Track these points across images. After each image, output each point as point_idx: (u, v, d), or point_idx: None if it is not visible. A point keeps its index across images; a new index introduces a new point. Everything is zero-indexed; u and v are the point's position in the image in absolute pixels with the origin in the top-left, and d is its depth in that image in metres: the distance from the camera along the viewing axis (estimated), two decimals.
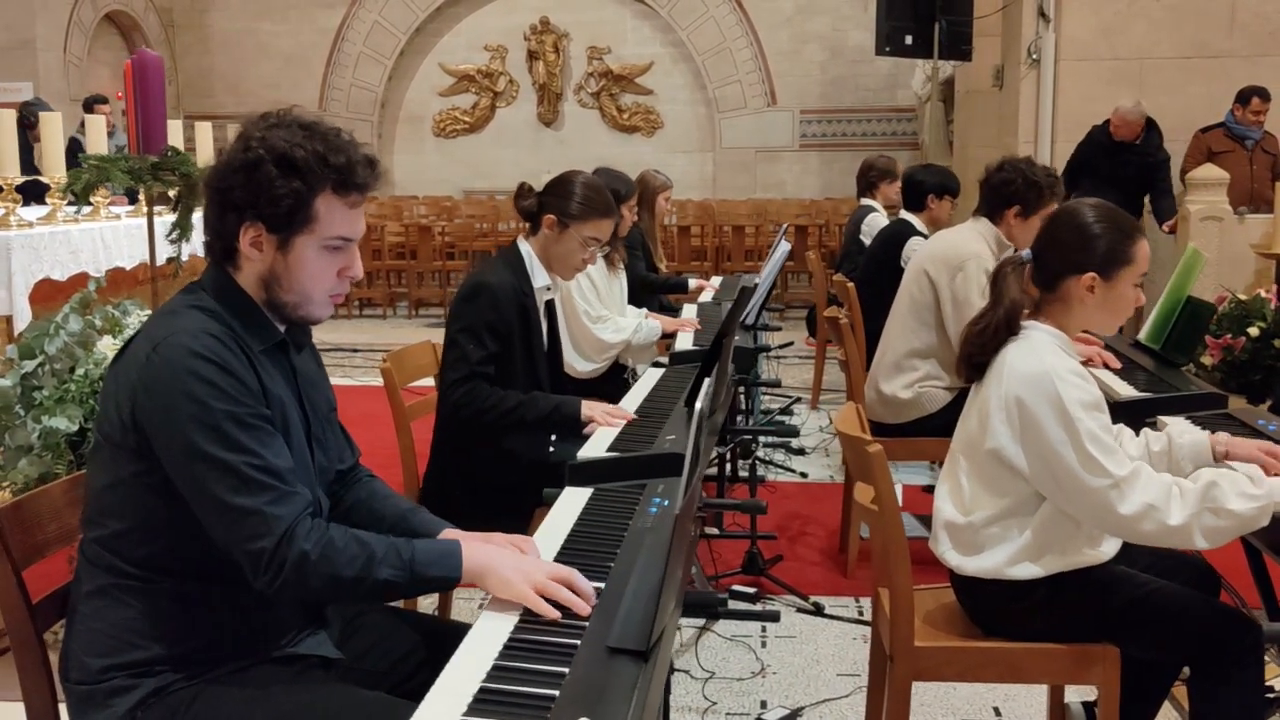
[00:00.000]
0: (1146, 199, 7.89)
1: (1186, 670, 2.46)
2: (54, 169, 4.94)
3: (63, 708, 1.90)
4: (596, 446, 2.81)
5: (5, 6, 11.77)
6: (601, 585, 1.88)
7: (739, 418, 5.16)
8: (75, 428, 3.09)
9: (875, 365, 4.35)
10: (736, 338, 3.37)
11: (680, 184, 7.64)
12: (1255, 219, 7.34)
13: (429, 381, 3.61)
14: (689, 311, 5.41)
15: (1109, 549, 2.42)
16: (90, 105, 8.89)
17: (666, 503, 2.30)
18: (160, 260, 4.47)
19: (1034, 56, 8.64)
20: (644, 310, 4.95)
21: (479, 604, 3.78)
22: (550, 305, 3.41)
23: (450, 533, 2.07)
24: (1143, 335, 3.97)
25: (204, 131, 5.94)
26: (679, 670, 3.44)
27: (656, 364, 4.22)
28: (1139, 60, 8.49)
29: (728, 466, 4.89)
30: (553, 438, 3.36)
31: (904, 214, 5.39)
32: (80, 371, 3.15)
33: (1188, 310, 3.80)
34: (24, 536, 1.92)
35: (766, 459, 5.70)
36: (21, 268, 4.42)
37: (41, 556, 1.98)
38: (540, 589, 1.79)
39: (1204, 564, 2.62)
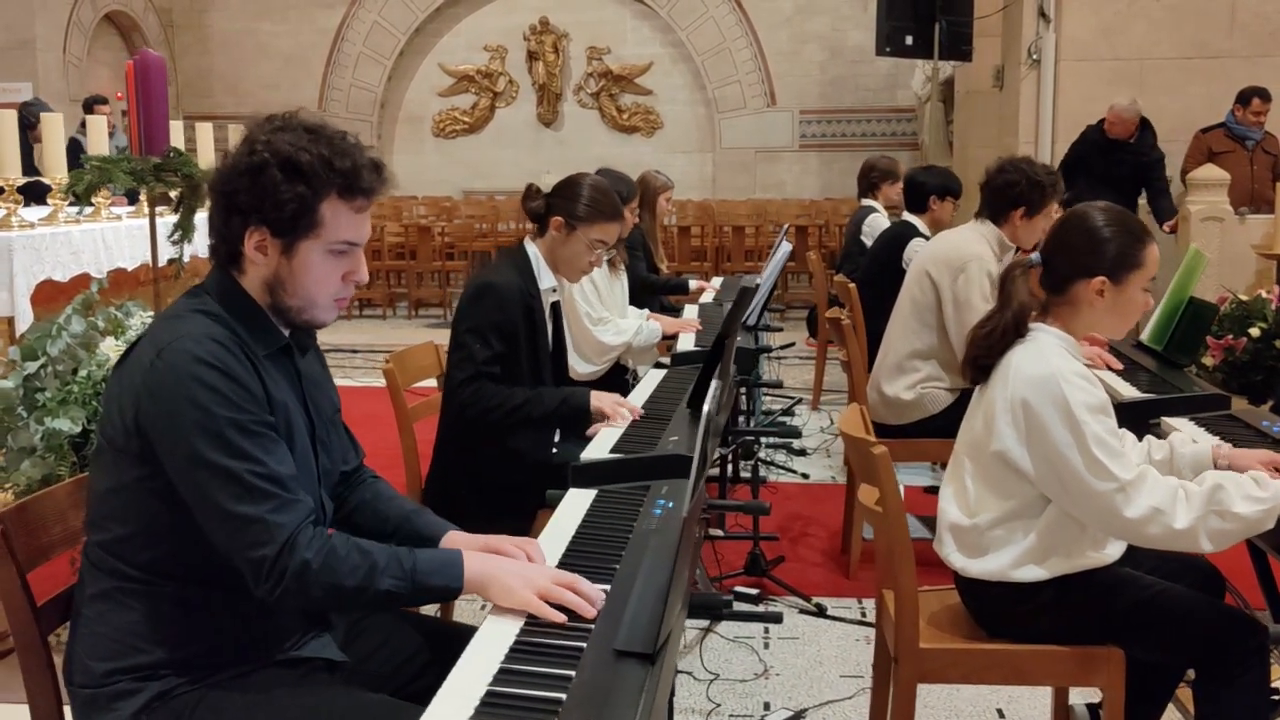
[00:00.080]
0: (1141, 199, 7.88)
1: (1191, 672, 2.45)
2: (55, 170, 4.94)
3: (67, 710, 1.90)
4: (600, 448, 2.81)
5: (5, 6, 11.76)
6: (606, 588, 1.88)
7: (740, 418, 5.16)
8: (78, 429, 3.09)
9: (877, 366, 4.34)
10: (738, 338, 3.37)
11: (680, 184, 7.64)
12: (1256, 219, 7.33)
13: (432, 382, 3.61)
14: (690, 312, 5.41)
15: (1114, 551, 2.42)
16: (90, 106, 8.88)
17: (671, 504, 2.29)
18: (162, 261, 4.47)
19: (1034, 57, 8.64)
20: (645, 311, 4.95)
21: (481, 605, 3.78)
22: (556, 307, 3.41)
23: (455, 535, 2.07)
24: (1145, 336, 3.97)
25: (204, 132, 5.94)
26: (682, 672, 3.44)
27: (658, 365, 4.22)
28: (1139, 60, 8.49)
29: (729, 467, 4.89)
30: (556, 438, 3.36)
31: (906, 215, 5.38)
32: (83, 373, 3.14)
33: (1190, 311, 3.80)
34: (28, 539, 1.92)
35: (768, 460, 5.69)
36: (23, 269, 4.42)
37: (46, 559, 1.98)
38: (544, 593, 1.78)
39: (1209, 566, 2.62)
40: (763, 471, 5.24)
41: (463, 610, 3.63)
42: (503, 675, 1.60)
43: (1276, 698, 2.51)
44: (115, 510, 1.82)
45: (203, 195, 4.17)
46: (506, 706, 1.52)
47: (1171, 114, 8.20)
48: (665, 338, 4.72)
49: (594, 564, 2.00)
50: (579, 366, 4.26)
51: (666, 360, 4.33)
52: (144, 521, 1.80)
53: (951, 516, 2.47)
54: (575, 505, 2.36)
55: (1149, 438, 2.66)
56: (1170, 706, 2.69)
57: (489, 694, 1.55)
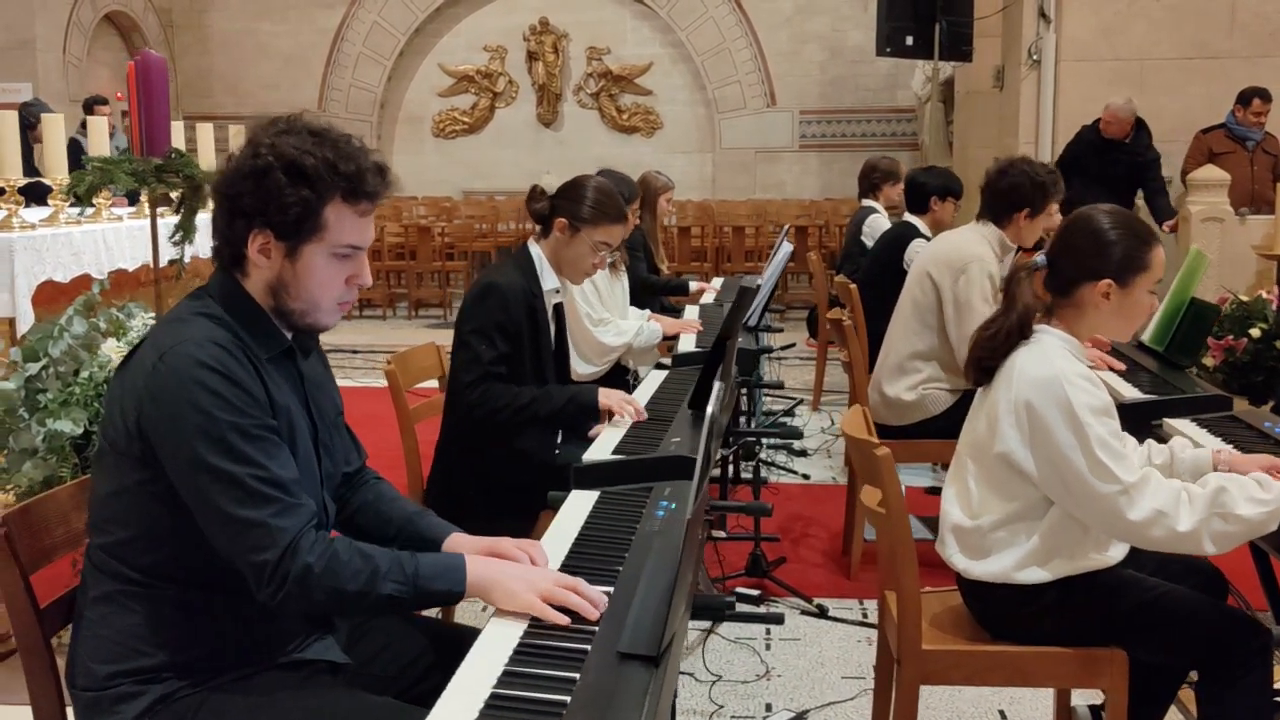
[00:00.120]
0: (1138, 199, 7.88)
1: (1193, 674, 2.45)
2: (56, 170, 4.93)
3: (69, 712, 1.89)
4: (602, 449, 2.81)
5: (4, 7, 11.76)
6: (610, 589, 1.88)
7: (741, 419, 5.15)
8: (80, 430, 3.08)
9: (878, 367, 4.34)
10: (739, 339, 3.37)
11: (680, 185, 7.64)
12: (1256, 220, 7.33)
13: (433, 383, 3.61)
14: (691, 313, 5.41)
15: (1116, 553, 2.42)
16: (90, 106, 8.89)
17: (674, 506, 2.29)
18: (163, 262, 4.46)
19: (1034, 57, 8.64)
20: (646, 312, 4.95)
21: (483, 607, 3.78)
22: (559, 308, 3.41)
23: (458, 537, 2.07)
24: (1146, 337, 3.97)
25: (205, 133, 5.93)
26: (684, 673, 3.44)
27: (659, 366, 4.22)
28: (1139, 61, 8.49)
29: (730, 468, 4.89)
30: (558, 439, 3.36)
31: (907, 216, 5.39)
32: (85, 374, 3.14)
33: (1191, 312, 3.79)
34: (32, 541, 1.92)
35: (768, 460, 5.69)
36: (24, 270, 4.41)
37: (49, 561, 1.98)
38: (547, 596, 1.78)
39: (1211, 568, 2.62)
40: (763, 472, 5.24)
41: (464, 612, 3.63)
42: (507, 678, 1.60)
43: (1279, 699, 2.51)
44: (117, 513, 1.82)
45: (204, 196, 4.17)
46: (511, 709, 1.52)
47: (1171, 114, 8.20)
48: (666, 338, 4.72)
49: (597, 566, 2.00)
50: (579, 367, 4.26)
51: (667, 361, 4.33)
52: (146, 525, 1.80)
53: (954, 518, 2.47)
54: (578, 507, 2.36)
55: (1149, 441, 2.66)
56: (1172, 708, 2.69)
57: (493, 696, 1.55)
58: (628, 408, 3.08)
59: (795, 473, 5.66)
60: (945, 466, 5.29)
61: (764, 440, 5.61)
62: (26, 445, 3.11)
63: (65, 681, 1.88)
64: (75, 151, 6.46)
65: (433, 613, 3.46)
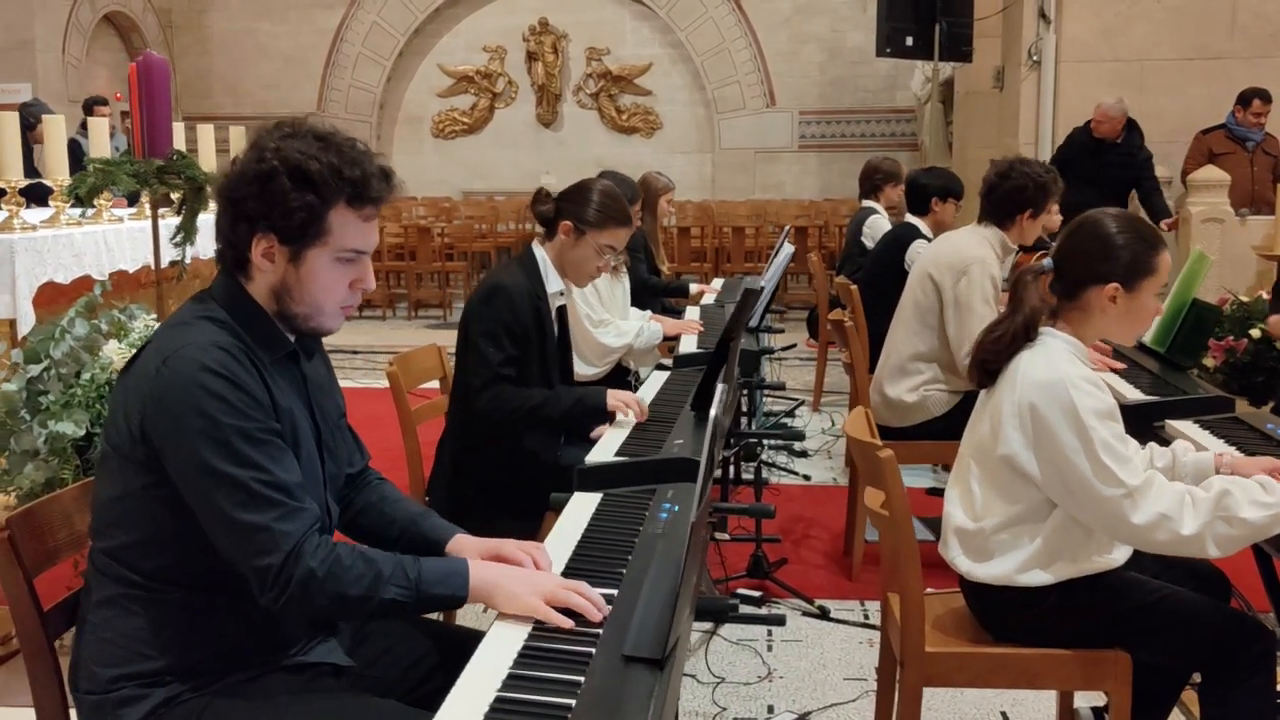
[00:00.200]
0: (1132, 199, 7.87)
1: (1196, 676, 2.45)
2: (57, 171, 4.93)
3: (73, 715, 1.89)
4: (605, 451, 2.81)
5: (4, 7, 11.75)
6: (614, 592, 1.88)
7: (742, 420, 5.15)
8: (82, 433, 3.08)
9: (880, 368, 4.34)
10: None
11: (679, 185, 7.63)
12: (1256, 220, 7.34)
13: (434, 384, 3.61)
14: (691, 313, 5.40)
15: (1120, 556, 2.41)
16: (90, 107, 8.88)
17: (677, 508, 2.29)
18: (164, 263, 4.46)
19: (1034, 58, 8.64)
20: (647, 312, 4.95)
21: (484, 608, 3.77)
22: (562, 311, 3.41)
23: (461, 538, 2.07)
24: (1148, 338, 3.97)
25: (206, 134, 5.93)
26: (687, 675, 3.44)
27: (660, 367, 4.22)
28: (1139, 62, 8.49)
29: (732, 469, 4.89)
30: (561, 440, 3.36)
31: (908, 217, 5.38)
32: (86, 376, 3.14)
33: (1193, 313, 3.79)
34: (35, 543, 1.92)
35: (769, 461, 5.69)
36: (25, 271, 4.41)
37: (52, 563, 1.98)
38: (550, 598, 1.78)
39: (1214, 570, 2.62)
40: (764, 473, 5.24)
41: (464, 613, 3.62)
42: (511, 681, 1.60)
43: None
44: (121, 517, 1.82)
45: (205, 198, 4.18)
46: (516, 712, 1.52)
47: (1172, 115, 8.21)
48: (667, 339, 4.72)
49: (601, 568, 2.00)
50: (580, 369, 4.26)
51: (668, 362, 4.33)
52: (150, 529, 1.80)
53: (957, 520, 2.47)
54: (580, 509, 2.36)
55: (1152, 445, 2.65)
56: (1175, 710, 2.69)
57: (498, 699, 1.55)
58: (635, 408, 3.09)
59: (796, 474, 5.66)
60: (946, 468, 5.30)
61: (765, 441, 5.61)
62: (28, 447, 3.11)
63: (68, 684, 1.88)
64: (75, 152, 6.47)
65: (434, 615, 3.47)
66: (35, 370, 3.15)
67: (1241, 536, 2.22)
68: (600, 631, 1.74)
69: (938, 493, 5.11)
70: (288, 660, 1.90)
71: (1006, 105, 9.24)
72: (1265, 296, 4.73)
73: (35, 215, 5.06)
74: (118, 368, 3.15)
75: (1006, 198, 4.00)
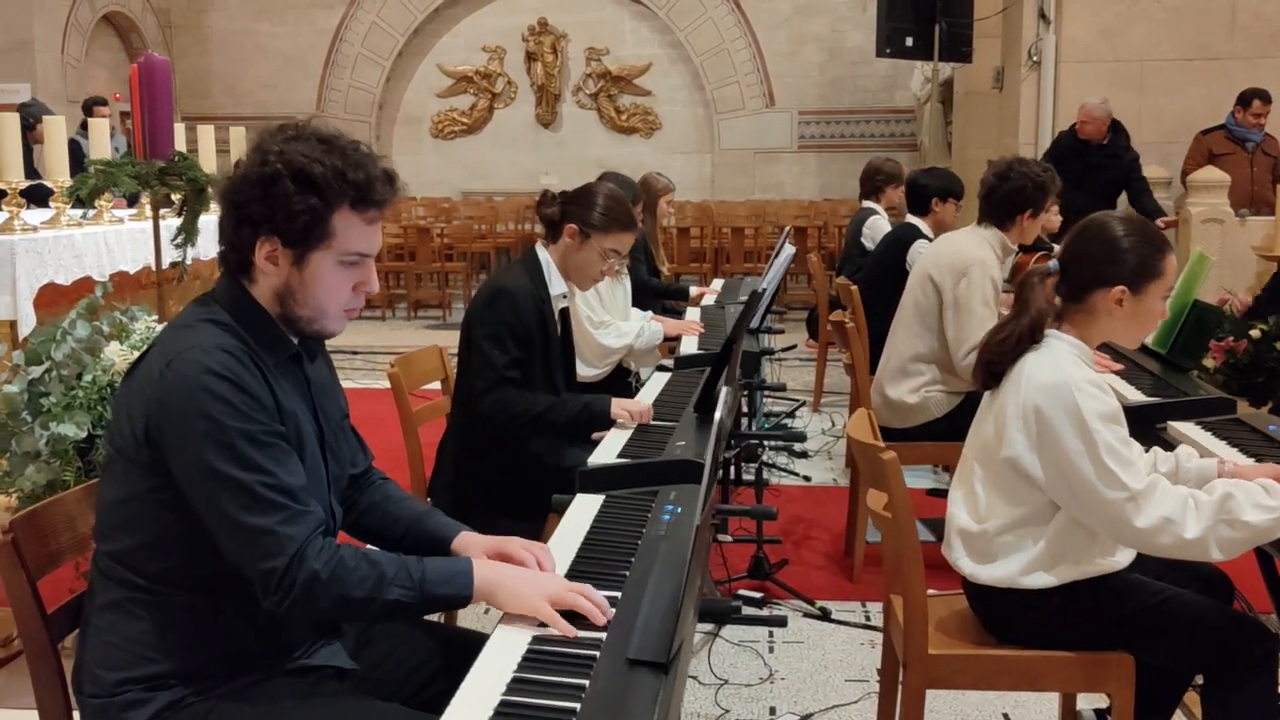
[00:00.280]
0: (1121, 201, 7.87)
1: (1199, 677, 2.45)
2: (57, 172, 4.92)
3: (76, 717, 1.89)
4: (607, 453, 2.81)
5: (3, 7, 11.75)
6: (617, 594, 1.87)
7: (743, 421, 5.15)
8: (83, 434, 3.08)
9: (880, 370, 4.34)
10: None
11: (679, 185, 7.63)
12: (1256, 221, 7.34)
13: (435, 385, 3.60)
14: (692, 314, 5.40)
15: (1123, 558, 2.41)
16: (90, 107, 8.88)
17: (680, 510, 2.29)
18: (164, 264, 4.46)
19: (1034, 58, 8.64)
20: (649, 313, 4.95)
21: (485, 610, 3.78)
22: (565, 313, 3.41)
23: (466, 536, 2.06)
24: (1149, 339, 3.97)
25: (206, 134, 5.92)
26: (689, 676, 3.43)
27: (661, 368, 4.21)
28: (1139, 62, 8.49)
29: (732, 470, 4.88)
30: (565, 444, 3.36)
31: (909, 218, 5.38)
32: (88, 378, 3.13)
33: (1194, 315, 3.79)
34: (39, 546, 1.92)
35: (769, 462, 5.69)
36: (26, 272, 4.40)
37: (55, 566, 1.98)
38: (556, 599, 1.78)
39: (1217, 572, 2.62)
40: (764, 474, 5.24)
41: (465, 615, 3.62)
42: (516, 684, 1.60)
43: None
44: (125, 520, 1.82)
45: (206, 199, 4.18)
46: (521, 715, 1.52)
47: (1171, 115, 8.21)
48: (667, 339, 4.72)
49: (604, 570, 2.00)
50: (581, 370, 4.25)
51: (668, 363, 4.33)
52: (154, 532, 1.80)
53: (961, 521, 2.47)
54: (583, 511, 2.36)
55: (1155, 449, 2.65)
56: (1178, 712, 2.69)
57: (503, 703, 1.55)
58: (641, 419, 3.09)
59: (796, 474, 5.66)
60: (947, 468, 5.30)
61: (765, 442, 5.61)
62: (29, 449, 3.10)
63: (72, 688, 1.88)
64: (75, 153, 6.46)
65: (435, 616, 3.47)
66: (37, 372, 3.15)
67: (1244, 539, 2.21)
68: (604, 635, 1.73)
69: (938, 494, 5.12)
70: (291, 664, 1.90)
71: (1006, 105, 9.24)
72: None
73: (36, 216, 5.06)
74: (119, 369, 3.14)
75: (1006, 198, 4.00)
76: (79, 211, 5.18)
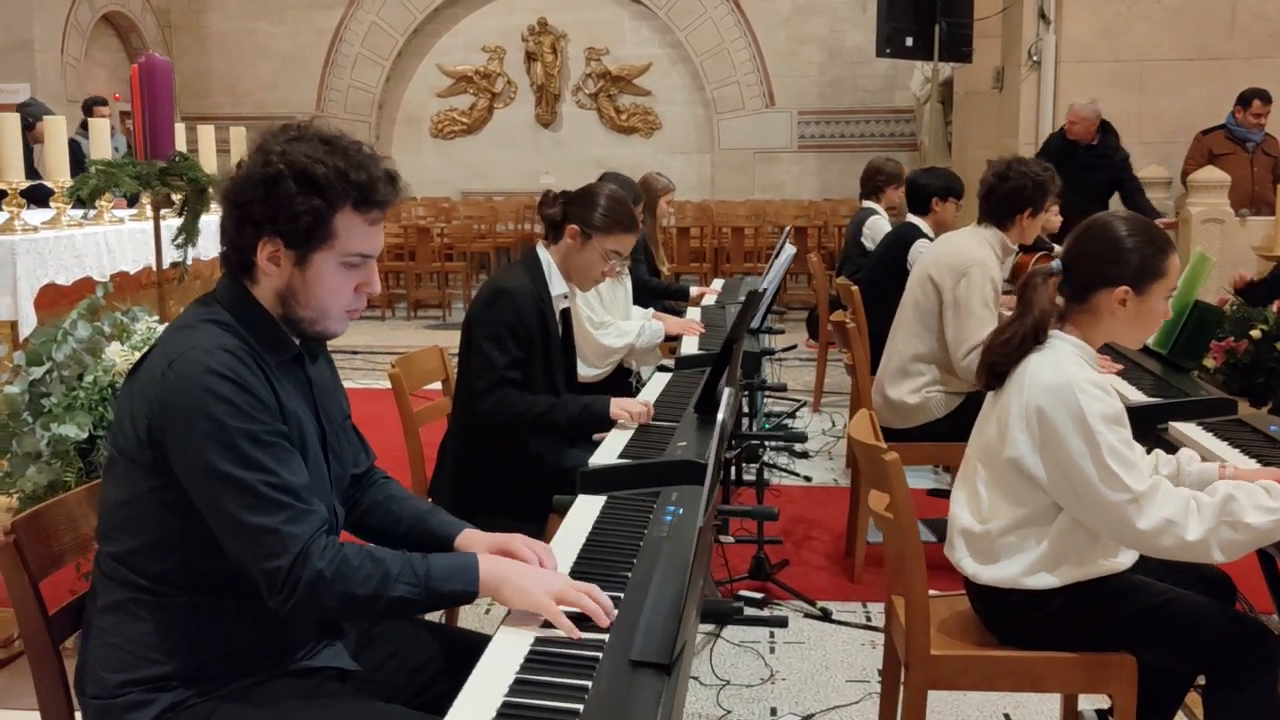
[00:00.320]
0: (1114, 202, 7.86)
1: (1201, 678, 2.45)
2: (58, 172, 4.92)
3: (78, 718, 1.89)
4: (608, 453, 2.80)
5: (3, 7, 11.75)
6: (620, 595, 1.87)
7: (744, 421, 5.15)
8: (84, 435, 3.07)
9: (881, 370, 4.34)
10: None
11: (679, 185, 7.63)
12: (1256, 221, 7.34)
13: (436, 386, 3.60)
14: (692, 314, 5.40)
15: (1126, 559, 2.41)
16: (90, 107, 8.88)
17: (681, 511, 2.28)
18: (165, 264, 4.46)
19: (1034, 58, 8.64)
20: (650, 311, 4.95)
21: (485, 610, 3.78)
22: (566, 313, 3.40)
23: (470, 534, 2.06)
24: (1150, 340, 3.97)
25: (206, 135, 5.92)
26: (691, 677, 3.43)
27: (661, 368, 4.21)
28: (1139, 62, 8.49)
29: (733, 470, 4.88)
30: (565, 445, 3.36)
31: (910, 218, 5.38)
32: (89, 378, 3.13)
33: (1195, 315, 3.79)
34: (41, 547, 1.92)
35: (770, 462, 5.69)
36: (26, 273, 4.40)
37: (57, 567, 1.98)
38: (561, 597, 1.78)
39: (1219, 573, 2.62)
40: (765, 474, 5.24)
41: (466, 615, 3.62)
42: (519, 685, 1.60)
43: None
44: (127, 521, 1.81)
45: (207, 199, 4.17)
46: (524, 717, 1.52)
47: (1171, 115, 8.21)
48: (668, 338, 4.72)
49: (606, 571, 1.99)
50: (581, 370, 4.25)
51: (669, 362, 4.33)
52: (156, 533, 1.80)
53: (963, 522, 2.46)
54: (584, 511, 2.36)
55: (1157, 451, 2.65)
56: (1180, 713, 2.69)
57: (505, 704, 1.55)
58: (640, 419, 3.08)
59: (797, 475, 5.66)
60: (947, 469, 5.30)
61: (766, 443, 5.61)
62: (30, 449, 3.10)
63: (74, 689, 1.88)
64: (75, 153, 6.45)
65: (436, 616, 3.47)
66: (37, 372, 3.14)
67: (1246, 541, 2.21)
68: (606, 636, 1.73)
69: (939, 494, 5.12)
70: (294, 665, 1.90)
71: (1006, 105, 9.24)
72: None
73: (36, 216, 5.05)
74: (120, 370, 3.14)
75: (1006, 198, 4.00)
76: (79, 212, 5.18)
